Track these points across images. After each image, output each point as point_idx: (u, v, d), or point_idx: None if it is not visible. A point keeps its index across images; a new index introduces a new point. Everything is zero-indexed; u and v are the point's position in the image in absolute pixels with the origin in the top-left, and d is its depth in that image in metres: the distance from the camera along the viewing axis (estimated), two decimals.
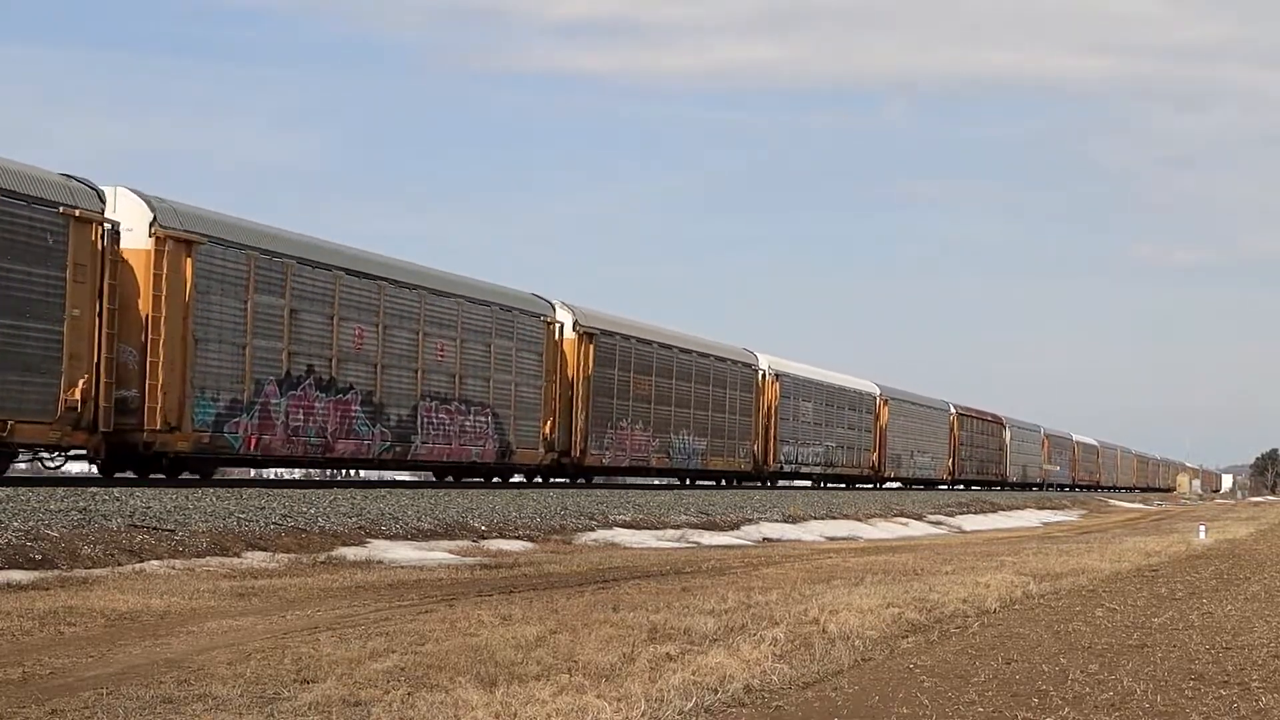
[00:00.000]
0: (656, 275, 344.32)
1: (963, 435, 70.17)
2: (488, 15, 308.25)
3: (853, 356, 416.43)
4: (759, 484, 46.59)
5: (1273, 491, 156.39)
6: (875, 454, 56.96)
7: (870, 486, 56.69)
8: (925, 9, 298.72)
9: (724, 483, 44.57)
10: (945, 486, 66.88)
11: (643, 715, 7.18)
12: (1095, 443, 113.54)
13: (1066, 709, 7.69)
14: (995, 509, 51.08)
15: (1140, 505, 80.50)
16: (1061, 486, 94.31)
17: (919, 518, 39.06)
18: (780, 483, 48.74)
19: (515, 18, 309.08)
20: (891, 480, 60.09)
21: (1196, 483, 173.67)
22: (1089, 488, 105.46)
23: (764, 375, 46.33)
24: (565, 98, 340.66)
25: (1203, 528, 30.81)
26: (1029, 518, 49.30)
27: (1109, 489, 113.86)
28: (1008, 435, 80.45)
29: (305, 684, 7.88)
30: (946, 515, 42.45)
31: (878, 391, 57.84)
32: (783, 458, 47.10)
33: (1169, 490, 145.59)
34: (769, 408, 46.49)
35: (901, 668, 9.11)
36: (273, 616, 11.10)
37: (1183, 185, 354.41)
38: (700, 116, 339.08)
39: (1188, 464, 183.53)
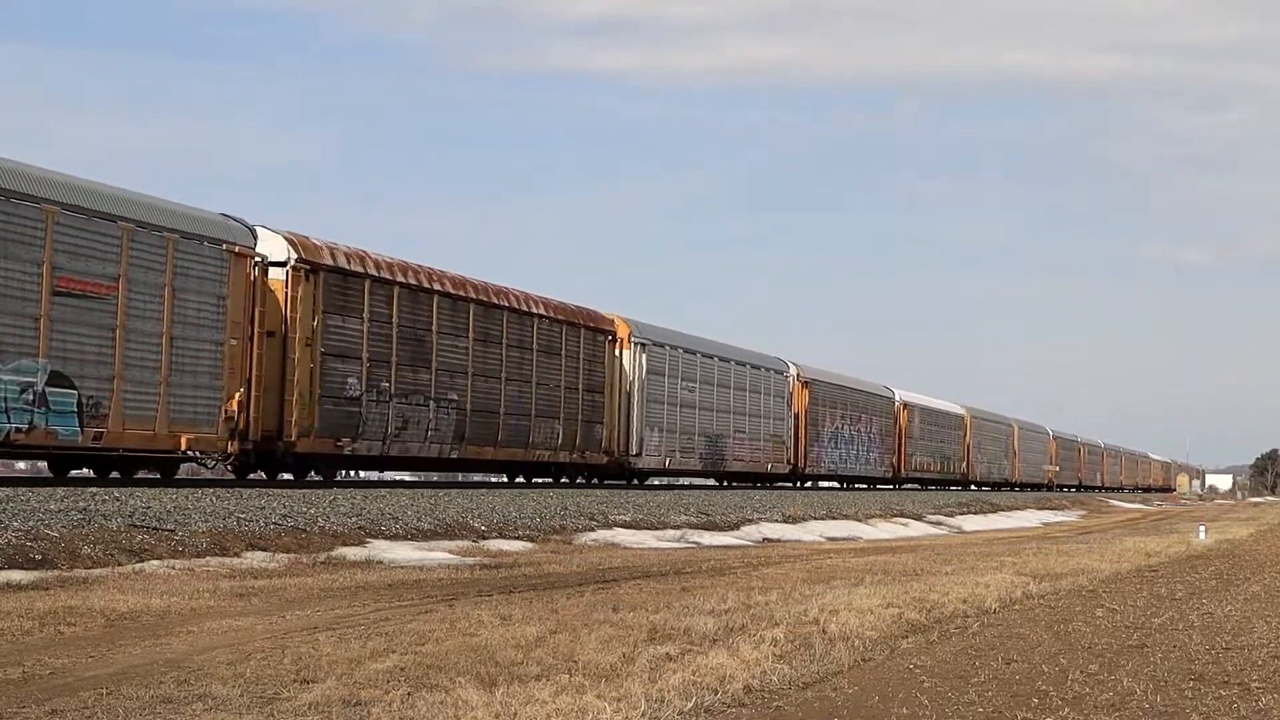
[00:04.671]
0: (662, 275, 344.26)
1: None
2: (497, 15, 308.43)
3: (855, 356, 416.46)
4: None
5: (1273, 492, 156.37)
6: None
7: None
8: (937, 8, 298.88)
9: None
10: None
11: (642, 715, 7.18)
12: (960, 411, 70.78)
13: (1066, 709, 7.69)
14: (995, 509, 51.14)
15: (1140, 505, 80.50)
16: (871, 482, 57.40)
17: (919, 518, 39.10)
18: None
19: (525, 18, 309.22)
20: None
21: (1197, 483, 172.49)
22: (943, 483, 66.58)
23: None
24: (575, 97, 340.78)
25: (1202, 528, 30.82)
26: (1029, 518, 49.37)
27: (995, 486, 75.22)
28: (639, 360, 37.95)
29: (305, 684, 7.88)
30: (946, 516, 42.48)
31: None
32: None
33: (1120, 489, 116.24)
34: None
35: (901, 668, 9.11)
36: (273, 616, 11.10)
37: (1193, 185, 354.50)
38: (710, 116, 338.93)
39: (1153, 456, 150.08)
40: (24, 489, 18.08)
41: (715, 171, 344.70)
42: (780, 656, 9.16)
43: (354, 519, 20.08)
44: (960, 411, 71.34)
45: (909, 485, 61.63)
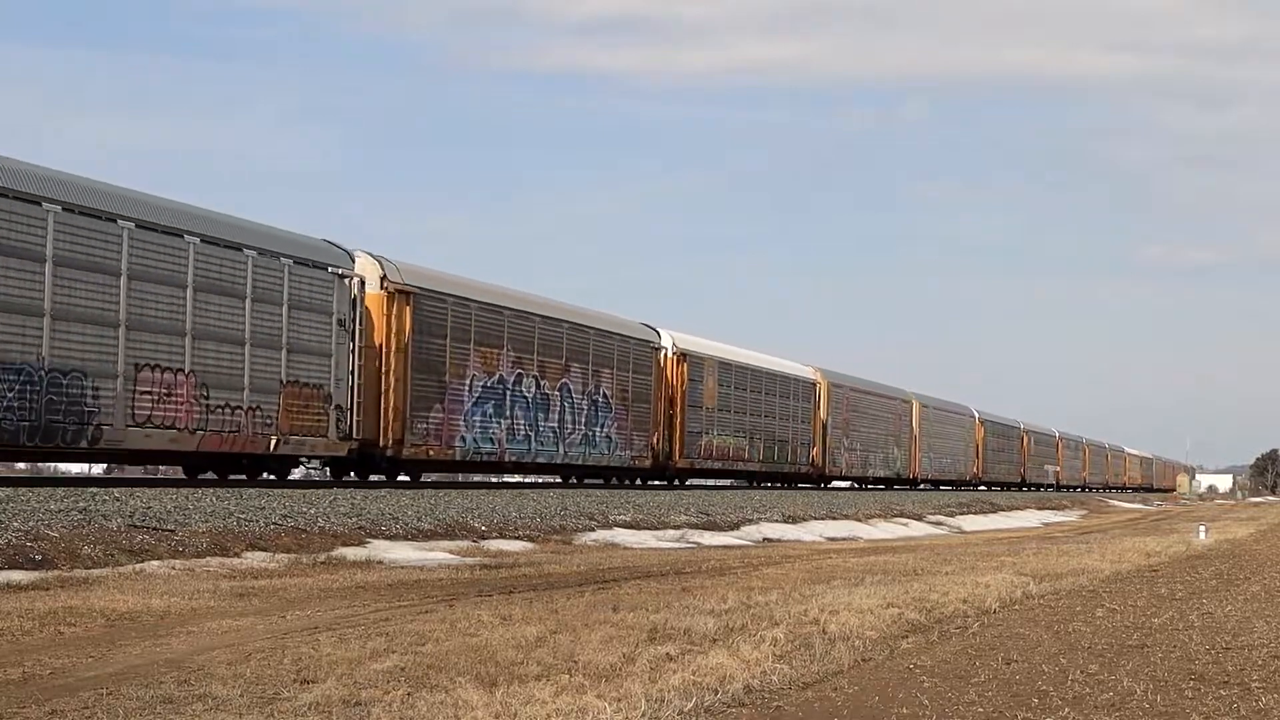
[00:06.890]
0: (668, 275, 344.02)
1: None
2: (500, 15, 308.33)
3: (861, 356, 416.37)
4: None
5: (1273, 491, 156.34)
6: None
7: None
8: (941, 8, 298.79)
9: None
10: None
11: (643, 715, 7.18)
12: (808, 375, 50.16)
13: (1066, 709, 7.69)
14: (996, 509, 51.23)
15: (1140, 506, 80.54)
16: (609, 475, 37.11)
17: (919, 518, 39.18)
18: None
19: (528, 17, 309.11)
20: None
21: (1200, 481, 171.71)
22: (778, 480, 48.07)
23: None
24: (582, 97, 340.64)
25: (1203, 528, 30.80)
26: (1029, 518, 49.44)
27: (888, 483, 57.48)
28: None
29: (305, 684, 7.88)
30: (946, 515, 42.60)
31: None
32: None
33: (1081, 489, 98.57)
34: None
35: (901, 668, 9.11)
36: (273, 616, 11.10)
37: (1193, 185, 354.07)
38: (718, 115, 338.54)
39: (1130, 450, 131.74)
40: (24, 489, 18.08)
41: (720, 171, 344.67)
42: (780, 656, 9.15)
43: (354, 519, 20.08)
44: (809, 375, 49.93)
45: (704, 482, 42.34)
